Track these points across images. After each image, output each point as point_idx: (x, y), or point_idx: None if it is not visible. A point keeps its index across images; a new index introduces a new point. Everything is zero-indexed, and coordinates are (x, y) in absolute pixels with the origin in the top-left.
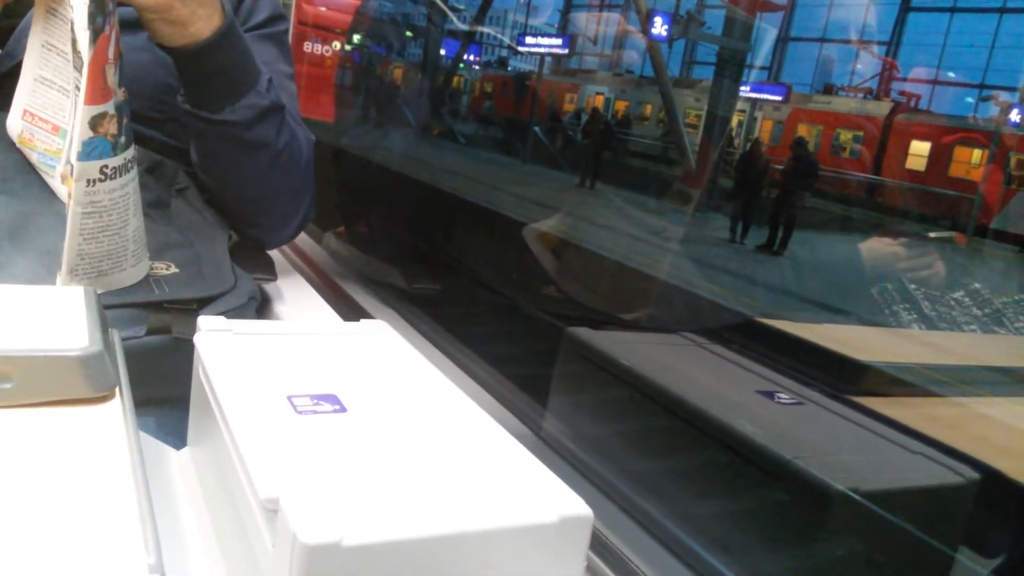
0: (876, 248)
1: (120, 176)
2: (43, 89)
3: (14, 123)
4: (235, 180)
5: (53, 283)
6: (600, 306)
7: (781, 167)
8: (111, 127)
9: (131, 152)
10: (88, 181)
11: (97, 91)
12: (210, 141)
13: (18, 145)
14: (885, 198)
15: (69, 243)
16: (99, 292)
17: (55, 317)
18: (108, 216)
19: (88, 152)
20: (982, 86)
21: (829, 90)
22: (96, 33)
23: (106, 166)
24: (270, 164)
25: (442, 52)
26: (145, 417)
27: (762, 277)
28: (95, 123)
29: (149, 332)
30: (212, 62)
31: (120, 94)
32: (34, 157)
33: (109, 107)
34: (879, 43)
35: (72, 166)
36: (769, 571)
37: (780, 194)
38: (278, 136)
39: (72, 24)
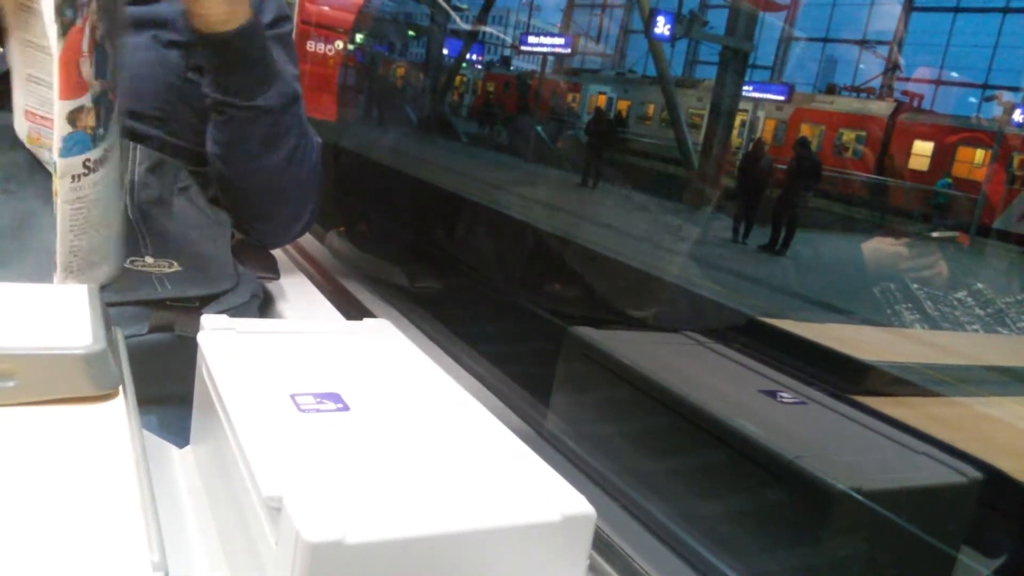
0: (878, 248)
1: (102, 167)
2: (36, 88)
3: (20, 125)
4: (255, 171)
5: (54, 283)
6: (603, 305)
7: (784, 167)
8: (89, 120)
9: (109, 141)
10: (73, 177)
11: (72, 85)
12: (239, 130)
13: (28, 145)
14: (888, 198)
15: (61, 240)
16: (101, 287)
17: (58, 315)
18: (95, 209)
19: (69, 147)
20: (985, 86)
21: (832, 90)
22: (65, 27)
23: (88, 159)
24: (289, 155)
25: (444, 52)
26: (148, 415)
27: (764, 277)
28: (73, 117)
29: (152, 330)
30: (251, 47)
31: (97, 86)
32: (45, 155)
33: (86, 100)
34: (882, 43)
35: (56, 163)
36: (772, 571)
37: (782, 194)
38: (300, 126)
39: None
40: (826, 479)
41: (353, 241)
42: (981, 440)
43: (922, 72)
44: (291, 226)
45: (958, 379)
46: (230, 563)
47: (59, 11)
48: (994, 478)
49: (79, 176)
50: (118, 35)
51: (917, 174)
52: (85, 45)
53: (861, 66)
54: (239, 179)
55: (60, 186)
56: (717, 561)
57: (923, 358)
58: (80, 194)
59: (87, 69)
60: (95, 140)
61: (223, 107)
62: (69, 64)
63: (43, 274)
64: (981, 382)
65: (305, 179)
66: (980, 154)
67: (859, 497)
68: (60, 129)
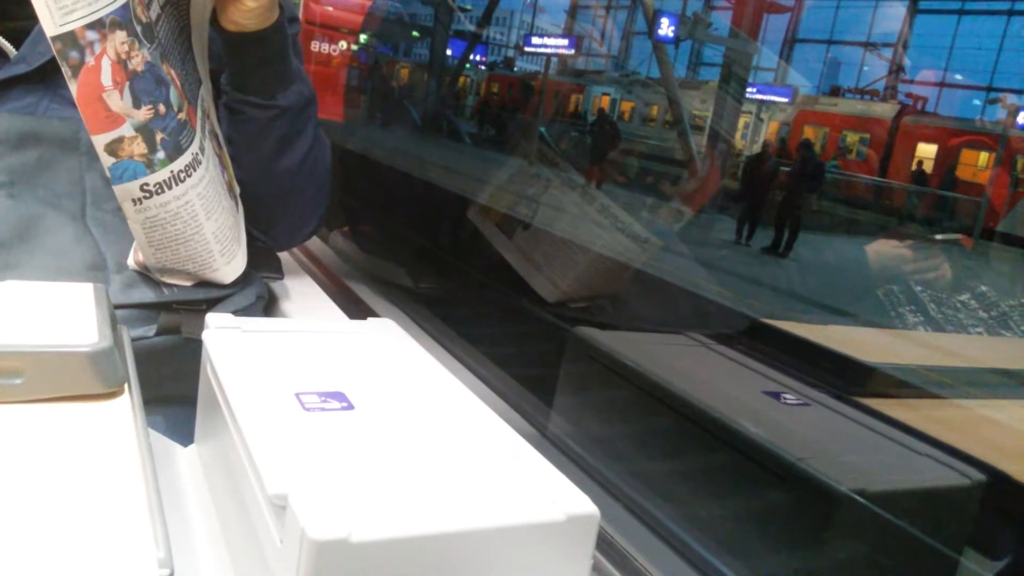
0: (881, 251)
1: (174, 187)
2: None
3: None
4: (271, 172)
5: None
6: (605, 306)
7: (787, 169)
8: (135, 148)
9: (182, 162)
10: (133, 201)
11: (99, 120)
12: (257, 130)
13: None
14: (892, 200)
15: (143, 251)
16: (190, 284)
17: (65, 314)
18: (172, 226)
19: (119, 175)
20: (989, 88)
21: (836, 92)
22: (74, 68)
23: (146, 184)
24: (304, 156)
25: (448, 52)
26: (154, 415)
27: (767, 279)
28: (112, 149)
29: (159, 332)
30: (280, 44)
31: (141, 114)
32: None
33: (124, 130)
34: (885, 45)
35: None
36: (775, 572)
37: (786, 196)
38: (315, 127)
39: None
40: (829, 481)
41: (357, 242)
42: (985, 443)
43: (926, 75)
44: (301, 229)
45: (961, 381)
46: (235, 560)
47: (62, 55)
48: (998, 480)
49: (139, 200)
50: (185, 58)
51: (921, 176)
52: (108, 80)
53: (865, 68)
54: (255, 181)
55: (124, 208)
56: (720, 563)
57: (926, 360)
58: (149, 214)
59: (118, 102)
60: (151, 165)
61: (243, 106)
62: (90, 102)
63: (49, 275)
64: (984, 384)
65: (318, 180)
66: (984, 156)
67: (862, 499)
68: (104, 160)
